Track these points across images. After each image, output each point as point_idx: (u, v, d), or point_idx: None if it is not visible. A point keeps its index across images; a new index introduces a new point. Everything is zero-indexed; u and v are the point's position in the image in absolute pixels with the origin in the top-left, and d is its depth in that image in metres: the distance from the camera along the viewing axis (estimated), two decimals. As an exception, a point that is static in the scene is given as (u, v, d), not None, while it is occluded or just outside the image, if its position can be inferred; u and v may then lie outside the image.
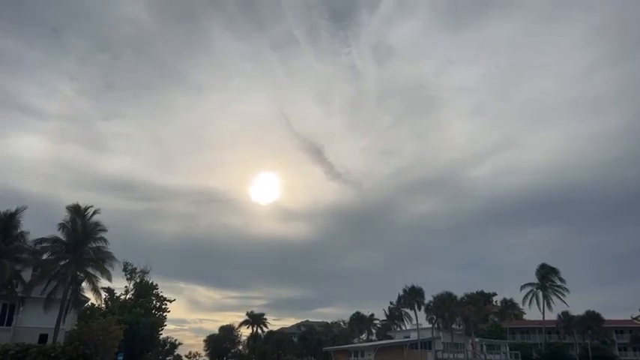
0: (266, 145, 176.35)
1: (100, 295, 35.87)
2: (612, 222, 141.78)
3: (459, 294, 62.50)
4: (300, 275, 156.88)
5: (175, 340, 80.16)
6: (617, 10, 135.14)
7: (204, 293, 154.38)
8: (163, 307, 57.87)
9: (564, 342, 66.23)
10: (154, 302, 57.59)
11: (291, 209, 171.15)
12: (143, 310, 53.14)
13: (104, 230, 33.46)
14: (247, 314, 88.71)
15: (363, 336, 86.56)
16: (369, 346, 65.42)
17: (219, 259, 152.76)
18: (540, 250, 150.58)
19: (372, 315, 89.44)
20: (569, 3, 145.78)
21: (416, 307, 62.92)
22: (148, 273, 58.70)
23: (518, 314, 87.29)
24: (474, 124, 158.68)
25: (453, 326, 78.27)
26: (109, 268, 33.54)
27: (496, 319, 75.75)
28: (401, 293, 63.46)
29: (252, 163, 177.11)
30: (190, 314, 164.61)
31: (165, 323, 58.21)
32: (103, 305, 50.30)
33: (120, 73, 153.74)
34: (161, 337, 62.89)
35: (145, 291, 57.14)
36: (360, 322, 77.25)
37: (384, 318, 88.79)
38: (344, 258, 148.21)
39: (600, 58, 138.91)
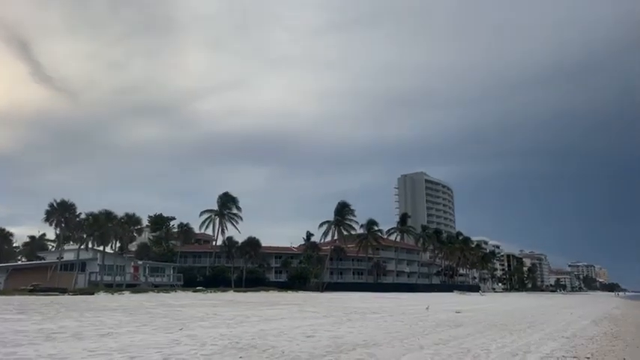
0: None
1: None
2: (315, 170, 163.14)
3: (120, 214, 57.20)
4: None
5: None
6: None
7: None
8: None
9: (227, 265, 69.53)
10: None
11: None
12: None
13: None
14: None
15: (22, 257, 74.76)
16: (0, 267, 54.88)
17: None
18: (247, 185, 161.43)
19: (44, 235, 78.65)
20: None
21: (64, 225, 54.81)
22: None
23: (209, 240, 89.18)
24: (210, 56, 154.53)
25: (131, 249, 74.24)
26: None
27: (174, 242, 74.74)
28: (47, 208, 54.04)
29: None
30: None
31: None
32: None
33: None
34: None
35: None
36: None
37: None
38: (46, 173, 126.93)
39: (331, 22, 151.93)
